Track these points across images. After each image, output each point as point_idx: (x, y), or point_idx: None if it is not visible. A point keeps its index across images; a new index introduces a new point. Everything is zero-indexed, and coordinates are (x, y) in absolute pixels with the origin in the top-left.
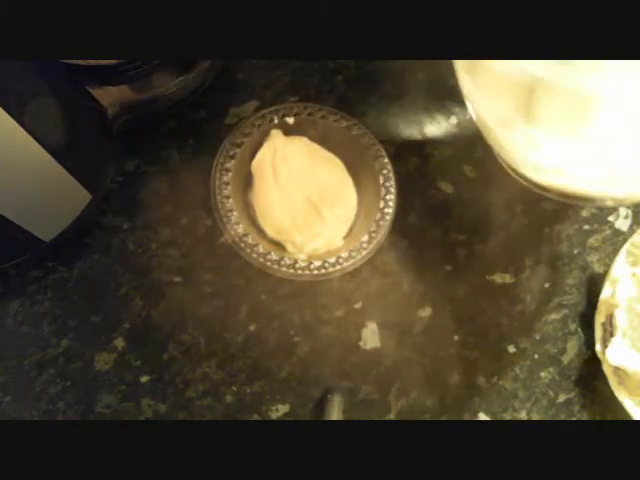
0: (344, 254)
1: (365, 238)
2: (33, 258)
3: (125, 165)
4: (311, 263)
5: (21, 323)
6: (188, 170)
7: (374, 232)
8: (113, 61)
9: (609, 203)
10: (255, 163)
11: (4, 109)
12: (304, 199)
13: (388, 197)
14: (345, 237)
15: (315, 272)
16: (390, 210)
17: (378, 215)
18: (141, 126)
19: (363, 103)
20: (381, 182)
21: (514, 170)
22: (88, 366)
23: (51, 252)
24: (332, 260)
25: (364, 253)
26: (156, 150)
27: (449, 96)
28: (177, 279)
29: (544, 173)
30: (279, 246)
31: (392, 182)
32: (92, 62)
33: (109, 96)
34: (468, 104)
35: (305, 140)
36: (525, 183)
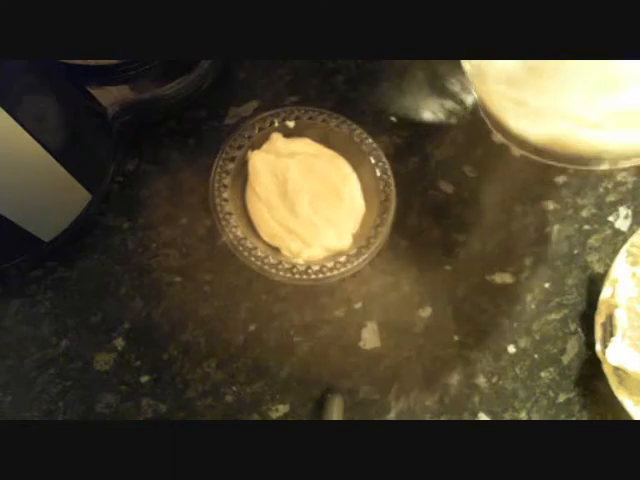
0: (342, 259)
1: (363, 243)
2: (33, 258)
3: (125, 165)
4: (309, 267)
5: (21, 323)
6: (188, 170)
7: (372, 237)
8: (113, 61)
9: (604, 166)
10: (252, 167)
11: (4, 109)
12: (300, 206)
13: (388, 202)
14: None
15: (313, 277)
16: (389, 215)
17: (377, 221)
18: (141, 126)
19: (363, 103)
20: (381, 188)
21: (507, 131)
22: (88, 366)
23: (51, 252)
24: (330, 265)
25: (362, 258)
26: (156, 150)
27: (449, 96)
28: (177, 279)
29: (543, 120)
30: (277, 250)
31: (392, 187)
32: (92, 62)
33: (109, 96)
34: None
35: (307, 140)
36: (518, 147)
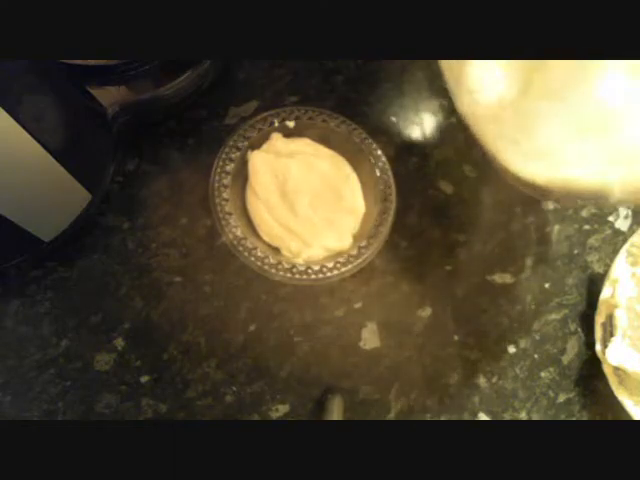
0: (342, 259)
1: (363, 243)
2: (33, 258)
3: (125, 165)
4: (309, 267)
5: (21, 323)
6: (188, 170)
7: (373, 237)
8: (113, 61)
9: (607, 201)
10: (252, 167)
11: (4, 109)
12: (300, 206)
13: (388, 202)
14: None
15: (313, 277)
16: (390, 215)
17: (377, 221)
18: (141, 126)
19: (363, 103)
20: (381, 188)
21: (512, 173)
22: (88, 366)
23: (51, 252)
24: (330, 265)
25: (362, 258)
26: (156, 150)
27: (449, 96)
28: (177, 279)
29: (536, 160)
30: (277, 250)
31: (392, 187)
32: (92, 62)
33: (109, 96)
34: (457, 89)
35: (307, 140)
36: (524, 188)
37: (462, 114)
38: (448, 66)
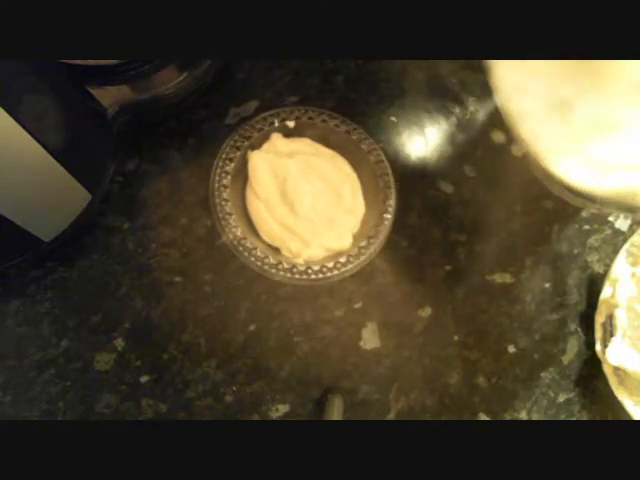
0: (342, 259)
1: (364, 243)
2: (33, 258)
3: (125, 165)
4: (309, 267)
5: (21, 323)
6: (188, 170)
7: (373, 237)
8: (113, 61)
9: None
10: (252, 167)
11: (4, 109)
12: (300, 206)
13: (388, 202)
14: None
15: (313, 277)
16: (390, 215)
17: (378, 220)
18: (141, 126)
19: (363, 103)
20: (381, 186)
21: (554, 178)
22: (88, 366)
23: (51, 252)
24: (330, 265)
25: (362, 258)
26: (156, 150)
27: (449, 96)
28: (177, 279)
29: (609, 168)
30: (277, 250)
31: (392, 187)
32: (92, 62)
33: (109, 96)
34: (509, 93)
35: (307, 140)
36: (569, 194)
37: (507, 115)
38: (497, 65)
